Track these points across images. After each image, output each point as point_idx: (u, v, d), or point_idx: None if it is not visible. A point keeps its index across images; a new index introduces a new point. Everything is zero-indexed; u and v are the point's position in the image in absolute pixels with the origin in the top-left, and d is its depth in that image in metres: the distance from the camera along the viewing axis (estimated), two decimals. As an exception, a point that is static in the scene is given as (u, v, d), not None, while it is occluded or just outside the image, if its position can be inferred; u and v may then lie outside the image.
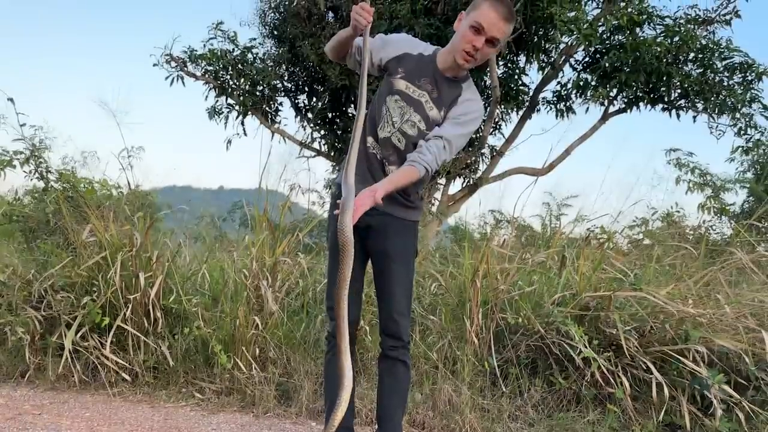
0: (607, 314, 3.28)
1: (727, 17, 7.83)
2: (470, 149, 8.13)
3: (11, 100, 4.28)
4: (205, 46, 8.60)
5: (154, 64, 8.63)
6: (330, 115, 8.91)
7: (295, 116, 9.27)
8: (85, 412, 3.05)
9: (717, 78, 7.69)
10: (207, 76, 8.65)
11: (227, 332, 3.47)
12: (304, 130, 9.32)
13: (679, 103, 8.08)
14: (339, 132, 8.81)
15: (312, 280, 4.16)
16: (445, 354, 3.38)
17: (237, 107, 8.80)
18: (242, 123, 8.95)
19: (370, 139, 2.28)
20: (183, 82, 8.65)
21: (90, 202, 4.17)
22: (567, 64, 8.53)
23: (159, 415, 3.08)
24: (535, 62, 8.33)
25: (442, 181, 8.80)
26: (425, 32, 6.90)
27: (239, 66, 8.57)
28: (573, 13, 7.16)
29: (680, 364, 2.98)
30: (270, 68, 8.67)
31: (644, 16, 7.58)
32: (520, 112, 8.88)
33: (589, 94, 8.05)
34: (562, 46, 8.22)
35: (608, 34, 7.76)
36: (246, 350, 3.39)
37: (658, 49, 7.21)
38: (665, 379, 2.96)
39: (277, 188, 4.41)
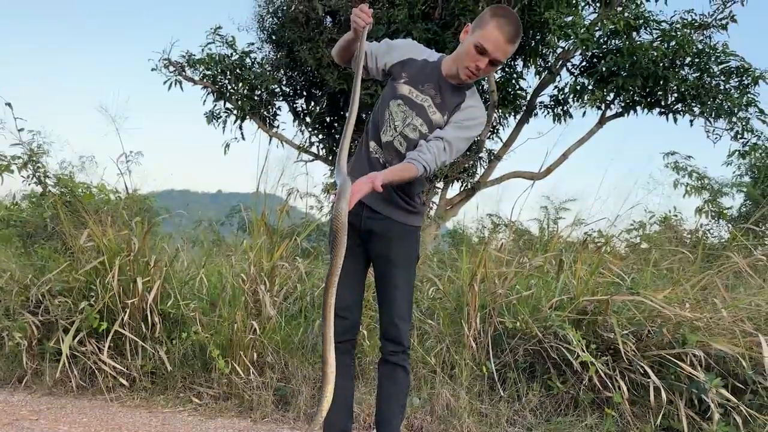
0: (604, 318, 3.28)
1: (724, 22, 7.87)
2: (468, 153, 8.14)
3: (9, 105, 4.28)
4: (203, 50, 8.62)
5: (153, 69, 8.66)
6: (328, 119, 8.92)
7: (293, 120, 9.28)
8: (83, 418, 3.04)
9: (714, 82, 7.73)
10: (205, 80, 8.66)
11: (225, 337, 3.47)
12: (302, 134, 9.33)
13: (676, 107, 8.12)
14: (337, 136, 8.82)
15: (310, 284, 4.16)
16: (443, 358, 3.39)
17: (235, 111, 8.82)
18: (240, 127, 8.97)
19: (372, 144, 2.29)
20: (181, 87, 8.67)
21: (88, 207, 4.16)
22: (564, 69, 8.57)
23: (157, 420, 3.07)
24: (533, 67, 8.36)
25: (440, 185, 8.81)
26: (423, 37, 6.92)
27: (237, 70, 8.59)
28: (570, 18, 7.19)
29: (678, 368, 2.99)
30: (268, 73, 8.68)
31: (641, 21, 7.63)
32: (518, 117, 8.91)
33: (586, 98, 8.08)
34: (559, 50, 8.25)
35: (605, 39, 7.80)
36: (244, 355, 3.39)
37: (655, 54, 7.25)
38: (663, 383, 2.96)
39: (275, 192, 4.42)
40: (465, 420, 2.97)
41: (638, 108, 8.24)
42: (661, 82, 7.48)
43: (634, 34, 7.63)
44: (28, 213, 4.79)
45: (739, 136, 8.20)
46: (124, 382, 3.44)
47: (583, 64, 8.37)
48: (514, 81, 8.35)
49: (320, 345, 3.50)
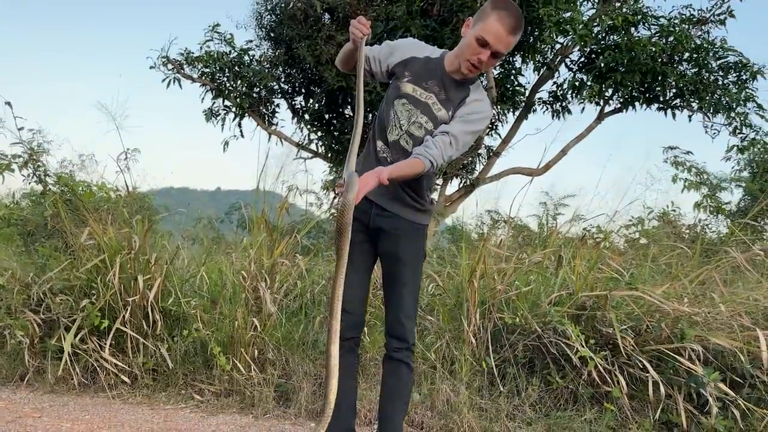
0: (603, 313, 3.30)
1: (722, 17, 7.86)
2: (467, 150, 8.15)
3: (9, 104, 4.29)
4: (201, 48, 8.60)
5: (151, 67, 8.65)
6: (327, 116, 8.92)
7: (292, 118, 9.27)
8: (85, 415, 3.06)
9: (712, 77, 7.72)
10: (203, 78, 8.65)
11: (226, 334, 3.49)
12: (301, 131, 9.33)
13: (674, 102, 8.12)
14: (336, 134, 8.82)
15: (310, 281, 4.17)
16: (443, 354, 3.40)
17: (234, 109, 8.81)
18: (239, 125, 8.96)
19: (379, 143, 2.30)
20: (180, 85, 8.66)
21: (88, 206, 4.17)
22: (563, 65, 8.57)
23: (159, 416, 3.09)
24: (531, 63, 8.36)
25: (440, 181, 8.82)
26: (421, 33, 6.91)
27: (236, 68, 8.58)
28: (569, 14, 7.19)
29: (676, 362, 3.01)
30: (266, 70, 8.67)
31: (639, 17, 7.61)
32: (517, 113, 8.90)
33: (584, 93, 8.08)
34: (557, 46, 8.25)
35: (603, 35, 7.79)
36: (245, 352, 3.41)
37: (653, 49, 7.25)
38: (661, 378, 2.98)
39: (274, 190, 4.43)
40: (465, 415, 2.99)
41: (637, 104, 8.24)
42: (660, 78, 7.48)
43: (633, 29, 7.62)
44: (28, 212, 4.80)
45: (737, 131, 8.21)
46: (126, 379, 3.46)
47: (582, 60, 8.37)
48: (512, 77, 8.35)
49: (322, 340, 3.52)
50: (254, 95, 8.74)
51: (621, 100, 8.30)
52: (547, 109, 8.85)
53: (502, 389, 3.23)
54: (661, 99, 8.04)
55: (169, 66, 8.62)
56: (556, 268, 3.85)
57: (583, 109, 8.58)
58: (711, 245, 4.81)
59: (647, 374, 3.00)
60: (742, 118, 8.00)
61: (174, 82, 8.63)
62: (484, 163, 9.12)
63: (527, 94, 8.72)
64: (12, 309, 3.68)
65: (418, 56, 2.29)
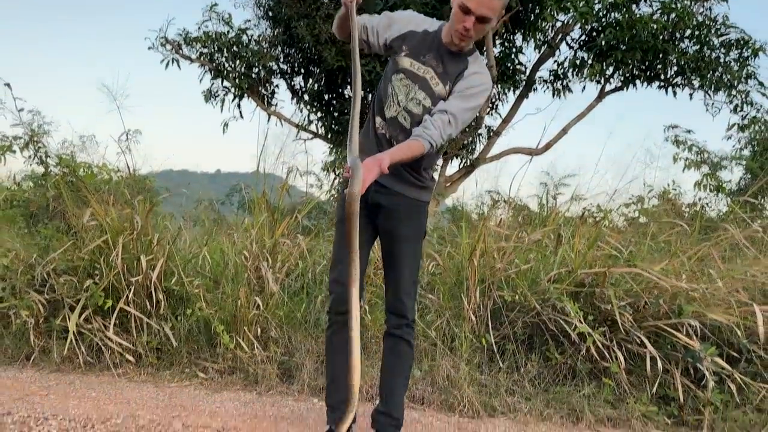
0: (602, 290, 3.33)
1: (724, -8, 7.79)
2: (467, 130, 8.13)
3: (8, 85, 4.28)
4: (199, 28, 8.55)
5: (149, 48, 8.60)
6: (326, 97, 8.89)
7: (292, 98, 9.24)
8: (92, 393, 3.11)
9: (713, 55, 7.68)
10: (202, 58, 8.61)
11: (229, 313, 3.53)
12: (301, 112, 9.30)
13: (675, 80, 8.09)
14: (335, 114, 8.79)
15: (311, 261, 4.20)
16: (444, 332, 3.44)
17: (233, 90, 8.78)
18: (238, 106, 8.93)
19: (378, 119, 2.29)
20: (178, 65, 8.63)
21: (89, 187, 4.19)
22: (563, 43, 8.51)
23: (164, 394, 3.14)
24: (532, 41, 8.31)
25: (440, 161, 8.82)
26: (420, 11, 6.85)
27: (234, 48, 8.52)
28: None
29: (674, 338, 3.05)
30: (265, 50, 8.62)
31: (641, -7, 7.55)
32: (517, 92, 8.87)
33: (585, 72, 8.05)
34: (558, 24, 8.19)
35: (604, 12, 7.73)
36: (248, 330, 3.45)
37: (655, 27, 7.20)
38: (659, 353, 3.03)
39: (274, 171, 4.45)
40: (465, 390, 3.04)
41: (637, 82, 8.21)
42: (661, 56, 7.45)
43: (634, 6, 7.56)
44: (30, 193, 4.81)
45: (738, 109, 8.19)
46: (131, 358, 3.50)
47: (583, 38, 8.31)
48: (513, 56, 8.30)
49: (323, 320, 3.56)
50: (253, 76, 8.70)
51: (622, 78, 8.27)
52: (547, 87, 8.82)
53: (501, 365, 3.28)
54: (662, 77, 8.01)
55: (168, 47, 8.57)
56: (556, 246, 3.87)
57: (584, 88, 8.56)
58: (710, 223, 4.83)
59: (645, 350, 3.04)
60: (743, 96, 7.98)
61: (172, 62, 8.59)
62: (485, 143, 9.11)
63: (528, 72, 8.68)
64: (17, 289, 3.71)
65: (416, 30, 2.27)
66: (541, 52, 8.57)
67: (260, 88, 8.91)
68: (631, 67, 7.84)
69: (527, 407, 3.01)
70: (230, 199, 9.12)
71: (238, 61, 8.61)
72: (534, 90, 8.86)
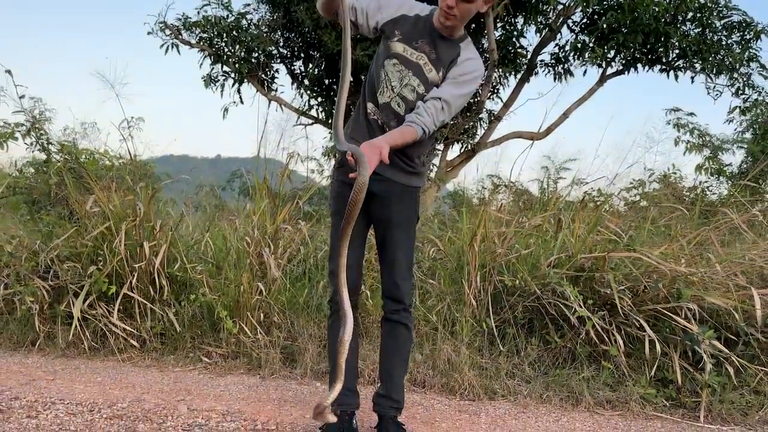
0: (601, 275, 3.36)
1: (727, -27, 7.73)
2: (468, 114, 8.11)
3: (9, 72, 4.27)
4: (199, 13, 8.50)
5: (149, 33, 8.56)
6: (326, 81, 8.85)
7: (292, 83, 9.21)
8: (97, 377, 3.15)
9: (715, 37, 7.64)
10: (201, 43, 8.57)
11: (232, 298, 3.56)
12: (301, 97, 9.27)
13: (677, 63, 8.05)
14: (336, 99, 8.76)
15: (313, 246, 4.23)
16: (445, 316, 3.48)
17: (233, 75, 8.75)
18: (238, 91, 8.91)
19: (370, 105, 2.27)
20: (178, 50, 8.59)
21: (92, 174, 4.20)
22: (565, 26, 8.46)
23: (168, 378, 3.18)
24: (533, 24, 8.25)
25: (440, 147, 8.81)
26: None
27: (234, 33, 8.48)
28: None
29: (672, 321, 3.08)
30: (265, 34, 8.57)
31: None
32: (518, 76, 8.83)
33: (587, 55, 8.00)
34: (559, 7, 8.13)
35: (606, -5, 7.68)
36: (251, 315, 3.49)
37: (657, 9, 7.15)
38: (658, 336, 3.06)
39: (275, 157, 4.45)
40: (466, 373, 3.07)
41: (639, 65, 8.17)
42: (663, 39, 7.40)
43: (636, -11, 7.50)
44: (33, 180, 4.82)
45: (740, 92, 8.16)
46: (135, 343, 3.54)
47: (584, 21, 8.26)
48: (514, 39, 8.25)
49: (324, 305, 3.59)
50: (253, 60, 8.66)
51: (623, 61, 8.22)
52: (549, 71, 8.77)
53: (501, 349, 3.32)
54: (664, 60, 7.97)
55: (167, 32, 8.53)
56: (556, 231, 3.89)
57: (585, 71, 8.51)
58: (710, 207, 4.84)
59: (644, 333, 3.07)
60: (745, 79, 7.95)
61: (172, 47, 8.56)
62: (486, 128, 9.09)
63: (529, 56, 8.63)
64: (21, 276, 3.74)
65: (408, 14, 2.24)
66: (543, 35, 8.51)
67: (260, 73, 8.88)
68: (632, 50, 7.79)
69: (527, 390, 3.05)
70: (231, 184, 9.12)
71: (237, 46, 8.57)
72: (535, 74, 8.82)
